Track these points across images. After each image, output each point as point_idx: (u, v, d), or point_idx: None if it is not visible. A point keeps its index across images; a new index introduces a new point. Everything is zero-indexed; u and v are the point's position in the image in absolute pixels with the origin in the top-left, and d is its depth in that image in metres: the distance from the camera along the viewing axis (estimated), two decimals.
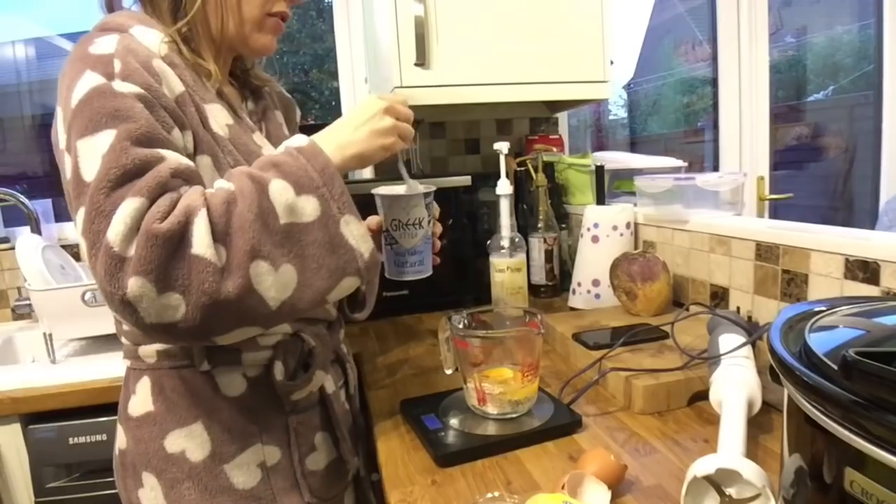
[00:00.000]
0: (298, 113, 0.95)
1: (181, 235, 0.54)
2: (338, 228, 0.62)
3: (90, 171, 0.57)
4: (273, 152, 0.65)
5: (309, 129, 0.96)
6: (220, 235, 0.56)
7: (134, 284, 0.53)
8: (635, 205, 1.31)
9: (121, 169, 0.56)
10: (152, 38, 0.67)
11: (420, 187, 0.77)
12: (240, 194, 0.58)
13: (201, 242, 0.55)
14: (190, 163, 0.62)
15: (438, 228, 0.82)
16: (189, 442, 0.70)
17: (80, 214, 0.56)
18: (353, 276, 0.64)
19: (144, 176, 0.57)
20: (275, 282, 0.58)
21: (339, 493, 0.82)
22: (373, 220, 0.76)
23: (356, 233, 0.64)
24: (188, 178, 0.61)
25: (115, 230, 0.53)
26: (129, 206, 0.54)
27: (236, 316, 0.58)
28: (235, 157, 0.70)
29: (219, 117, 0.71)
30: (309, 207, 0.61)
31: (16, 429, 1.10)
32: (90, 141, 0.58)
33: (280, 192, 0.60)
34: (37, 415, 1.09)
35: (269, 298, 0.58)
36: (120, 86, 0.60)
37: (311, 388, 0.76)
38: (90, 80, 0.60)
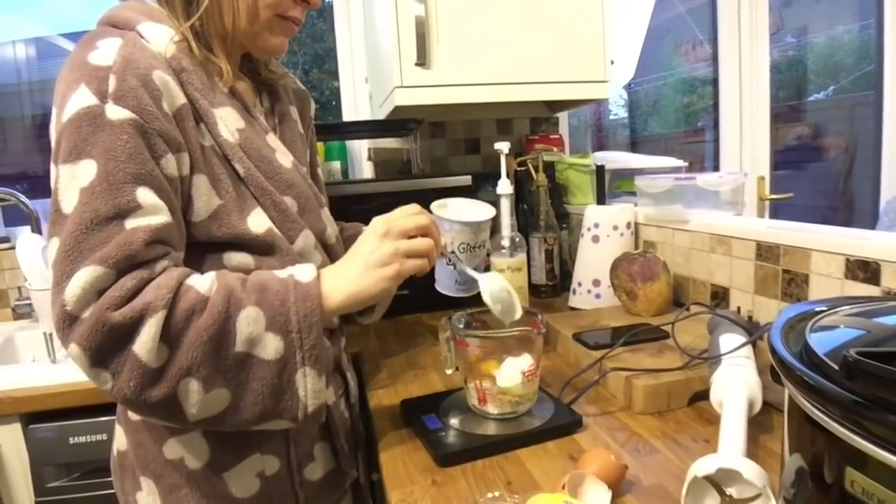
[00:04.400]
0: (314, 107, 0.92)
1: (129, 331, 0.55)
2: (293, 377, 0.61)
3: (68, 204, 0.57)
4: (276, 274, 0.64)
5: None
6: (170, 339, 0.56)
7: (73, 349, 0.55)
8: (636, 205, 1.31)
9: (93, 213, 0.56)
10: (161, 37, 0.65)
11: (485, 210, 0.77)
12: (209, 308, 0.57)
13: (144, 345, 0.55)
14: (163, 219, 0.60)
15: (489, 244, 0.83)
16: (188, 449, 0.69)
17: (53, 245, 0.57)
18: (286, 422, 0.63)
19: (113, 240, 0.56)
20: (200, 401, 0.58)
21: (336, 502, 0.82)
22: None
23: (311, 387, 0.62)
24: (164, 240, 0.60)
25: (72, 292, 0.54)
26: (89, 274, 0.54)
27: (151, 412, 0.59)
28: (245, 165, 0.68)
29: (229, 122, 0.69)
30: (271, 347, 0.60)
31: (16, 428, 1.10)
32: (72, 169, 0.57)
33: (249, 322, 0.59)
34: (37, 414, 1.09)
35: (188, 413, 0.58)
36: (112, 111, 0.58)
37: None
38: (83, 97, 0.58)
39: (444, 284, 0.79)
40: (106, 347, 0.55)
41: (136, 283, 0.56)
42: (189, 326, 0.57)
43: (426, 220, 0.69)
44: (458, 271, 0.77)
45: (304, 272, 0.64)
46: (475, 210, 0.77)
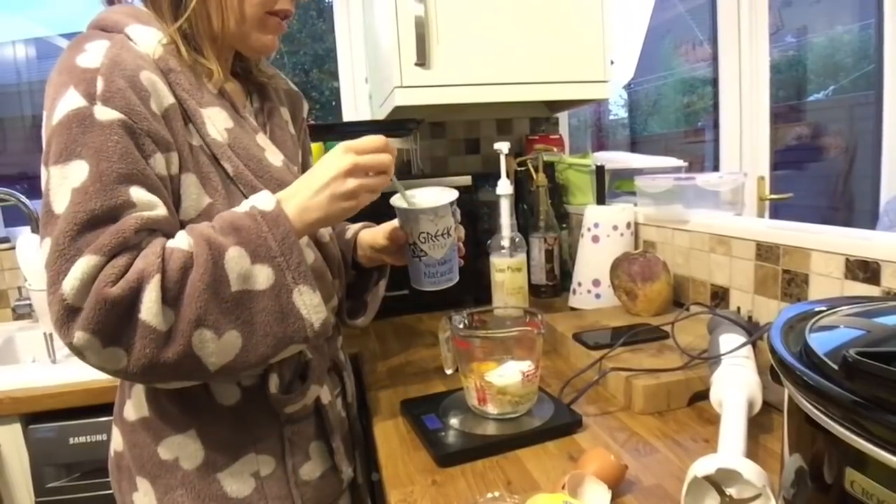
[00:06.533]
0: (306, 107, 0.92)
1: (131, 301, 0.56)
2: (290, 298, 0.62)
3: (60, 204, 0.57)
4: (237, 210, 0.64)
5: (309, 129, 0.96)
6: (171, 300, 0.57)
7: (80, 337, 0.55)
8: (635, 205, 1.31)
9: (88, 213, 0.57)
10: (148, 39, 0.66)
11: (444, 194, 0.74)
12: (196, 260, 0.58)
13: (149, 310, 0.56)
14: (159, 213, 0.61)
15: (461, 232, 0.81)
16: (183, 449, 0.69)
17: (46, 246, 0.57)
18: (300, 343, 0.65)
19: (107, 230, 0.57)
20: (216, 348, 0.59)
21: (333, 502, 0.82)
22: (397, 233, 0.75)
23: (309, 303, 0.64)
24: (154, 229, 0.61)
25: (70, 284, 0.55)
26: (86, 263, 0.55)
27: (173, 374, 0.60)
28: (234, 164, 0.69)
29: (218, 121, 0.69)
30: (262, 276, 0.61)
31: (16, 429, 1.10)
32: (63, 170, 0.58)
33: (236, 260, 0.60)
34: (37, 415, 1.09)
35: (208, 363, 0.60)
36: (100, 112, 0.59)
37: (306, 402, 0.75)
38: (72, 100, 0.59)
39: (415, 279, 0.77)
40: (113, 323, 0.55)
41: (126, 260, 0.57)
42: (185, 283, 0.58)
43: (388, 158, 0.68)
44: (424, 263, 0.75)
45: (263, 201, 0.64)
46: (433, 196, 0.75)
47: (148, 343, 0.56)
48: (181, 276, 0.58)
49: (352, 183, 0.65)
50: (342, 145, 0.67)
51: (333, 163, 0.66)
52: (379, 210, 0.76)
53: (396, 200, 0.75)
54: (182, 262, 0.58)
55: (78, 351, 0.57)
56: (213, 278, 0.58)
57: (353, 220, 0.97)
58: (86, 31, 0.67)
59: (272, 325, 0.62)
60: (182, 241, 0.60)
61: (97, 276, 0.55)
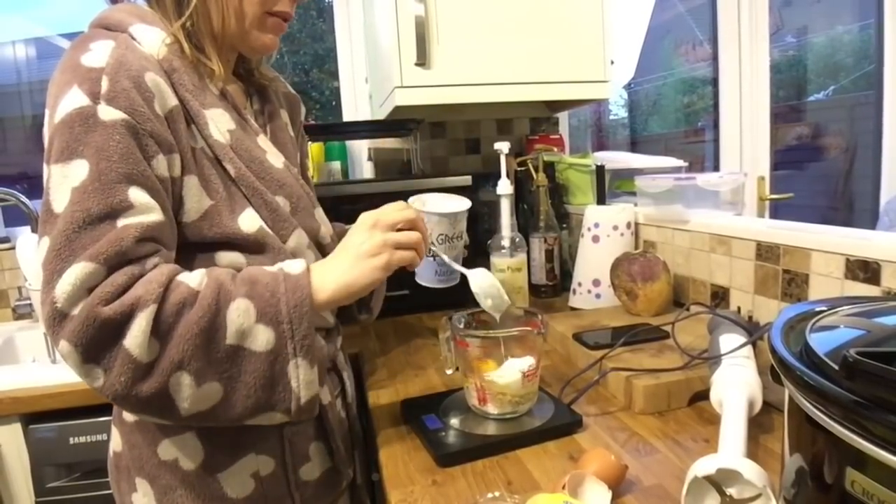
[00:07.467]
0: (304, 111, 0.93)
1: (120, 325, 0.55)
2: (285, 368, 0.61)
3: (59, 203, 0.57)
4: (267, 268, 0.64)
5: (309, 129, 0.96)
6: (161, 333, 0.56)
7: (64, 346, 0.55)
8: (636, 205, 1.31)
9: (85, 212, 0.56)
10: (152, 38, 0.66)
11: (460, 201, 0.78)
12: (199, 301, 0.58)
13: (135, 338, 0.55)
14: (155, 217, 0.60)
15: (466, 237, 0.84)
16: (182, 450, 0.69)
17: (44, 244, 0.57)
18: (281, 414, 0.63)
19: (105, 236, 0.56)
20: (192, 395, 0.58)
21: (333, 502, 0.82)
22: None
23: (303, 377, 0.62)
24: (156, 238, 0.60)
25: (62, 289, 0.54)
26: (80, 270, 0.55)
27: (144, 408, 0.58)
28: (236, 165, 0.69)
29: (220, 123, 0.69)
30: (262, 338, 0.60)
31: (16, 429, 1.10)
32: (63, 169, 0.57)
33: (239, 313, 0.59)
34: (37, 415, 1.09)
35: (181, 408, 0.58)
36: (104, 111, 0.58)
37: None
38: (75, 98, 0.58)
39: (425, 276, 0.80)
40: (97, 343, 0.54)
41: (126, 279, 0.56)
42: (179, 320, 0.57)
43: (413, 213, 0.71)
44: (437, 262, 0.78)
45: (293, 265, 0.65)
46: (452, 202, 0.79)
47: (125, 371, 0.55)
48: (177, 312, 0.57)
49: (378, 237, 0.67)
50: (371, 217, 0.68)
51: (357, 225, 0.67)
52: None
53: (417, 204, 0.77)
54: (183, 298, 0.57)
55: (63, 356, 0.56)
56: (210, 325, 0.57)
57: (351, 222, 0.97)
58: (89, 30, 0.66)
59: (258, 389, 0.60)
60: (194, 277, 0.59)
61: (91, 285, 0.55)
